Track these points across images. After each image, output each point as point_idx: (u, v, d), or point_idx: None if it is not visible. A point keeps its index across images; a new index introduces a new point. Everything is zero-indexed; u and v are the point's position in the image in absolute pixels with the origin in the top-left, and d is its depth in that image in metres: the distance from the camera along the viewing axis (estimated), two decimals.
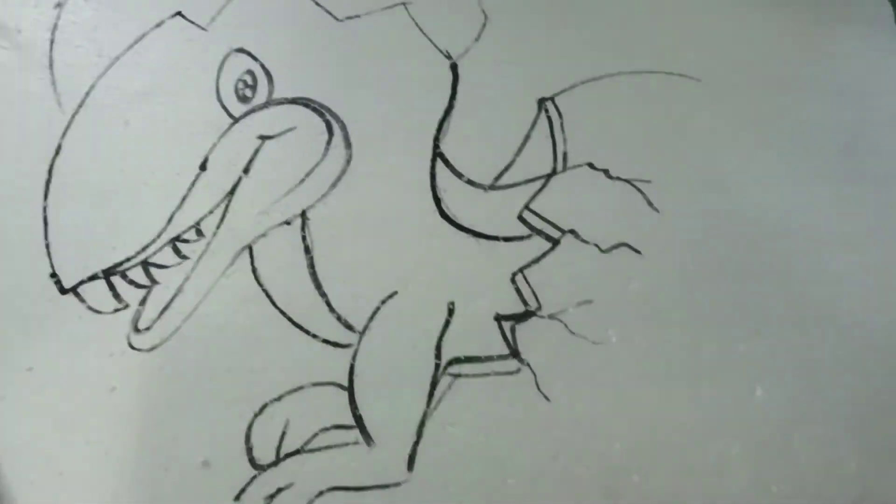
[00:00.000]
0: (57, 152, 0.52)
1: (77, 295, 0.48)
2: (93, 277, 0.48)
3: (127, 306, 0.47)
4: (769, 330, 0.49)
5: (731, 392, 0.48)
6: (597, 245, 0.51)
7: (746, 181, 0.55)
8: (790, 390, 0.48)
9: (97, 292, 0.48)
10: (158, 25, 0.57)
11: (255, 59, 0.57)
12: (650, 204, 0.53)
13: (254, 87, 0.55)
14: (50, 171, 0.51)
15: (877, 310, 0.51)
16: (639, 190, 0.54)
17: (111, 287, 0.48)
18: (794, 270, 0.52)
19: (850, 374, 0.48)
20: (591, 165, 0.54)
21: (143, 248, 0.49)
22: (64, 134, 0.53)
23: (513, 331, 0.48)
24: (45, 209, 0.50)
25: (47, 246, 0.49)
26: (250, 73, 0.56)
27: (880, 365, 0.49)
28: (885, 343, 0.50)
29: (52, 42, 0.55)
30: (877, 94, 0.59)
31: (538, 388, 0.47)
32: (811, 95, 0.59)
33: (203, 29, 0.58)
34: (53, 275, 0.48)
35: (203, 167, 0.52)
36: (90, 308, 0.47)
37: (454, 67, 0.57)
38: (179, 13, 0.58)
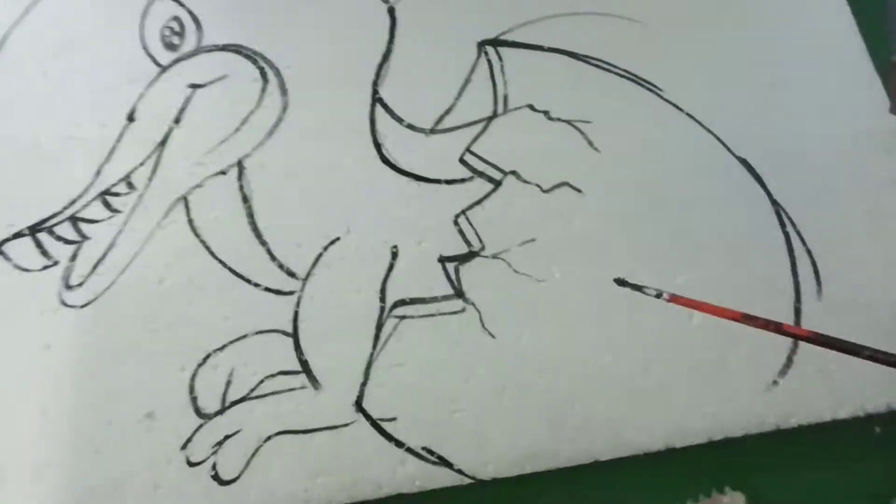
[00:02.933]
0: None
1: (2, 254, 0.46)
2: (18, 235, 0.46)
3: (56, 263, 0.46)
4: (706, 260, 0.51)
5: (670, 321, 0.49)
6: (538, 185, 0.52)
7: (683, 117, 0.56)
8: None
9: (24, 249, 0.46)
10: None
11: (181, 4, 0.54)
12: (590, 144, 0.54)
13: (181, 34, 0.53)
14: None
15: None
16: (579, 130, 0.54)
17: (38, 244, 0.46)
18: (728, 201, 0.53)
19: (780, 295, 0.51)
20: (531, 107, 0.54)
21: (71, 203, 0.47)
22: None
23: (457, 271, 0.48)
24: None
25: None
26: (177, 19, 0.54)
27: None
28: None
29: None
30: (803, 30, 0.60)
31: (483, 326, 0.47)
32: (742, 33, 0.60)
33: None
34: None
35: (131, 118, 0.50)
36: (17, 266, 0.45)
37: (391, 11, 0.56)
38: None
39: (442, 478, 0.43)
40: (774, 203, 0.54)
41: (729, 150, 0.56)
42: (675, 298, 0.41)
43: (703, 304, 0.40)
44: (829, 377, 0.49)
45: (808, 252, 0.53)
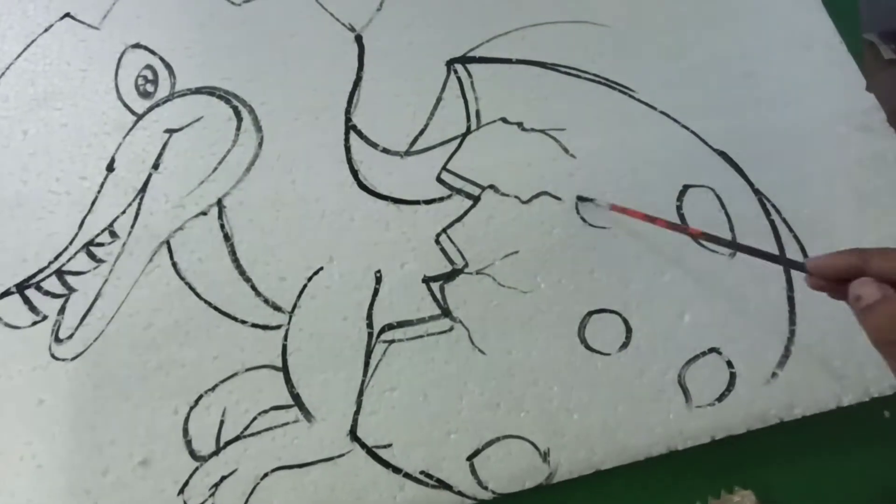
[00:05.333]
0: None
1: None
2: (5, 293, 0.46)
3: (45, 318, 0.46)
4: (691, 256, 0.51)
5: (661, 321, 0.49)
6: (517, 197, 0.52)
7: (658, 115, 0.56)
8: (716, 311, 0.49)
9: (12, 307, 0.46)
10: (47, 30, 0.55)
11: (153, 53, 0.55)
12: (566, 151, 0.54)
13: (155, 82, 0.54)
14: None
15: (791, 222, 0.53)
16: (554, 138, 0.54)
17: (26, 300, 0.46)
18: (709, 194, 0.53)
19: (772, 284, 0.50)
20: (504, 120, 0.55)
21: (56, 257, 0.48)
22: None
23: (442, 290, 0.48)
24: None
25: None
26: (150, 67, 0.55)
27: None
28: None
29: None
30: (772, 20, 0.60)
31: (472, 344, 0.47)
32: (711, 29, 0.60)
33: (95, 28, 0.56)
34: None
35: (110, 168, 0.51)
36: (7, 324, 0.46)
37: (359, 39, 0.57)
38: (68, 14, 0.56)
39: (442, 501, 0.43)
40: (757, 192, 0.54)
41: (706, 143, 0.55)
42: (614, 207, 0.49)
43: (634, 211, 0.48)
44: (829, 364, 0.49)
45: (796, 238, 0.52)
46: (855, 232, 0.53)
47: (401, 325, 0.47)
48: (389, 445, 0.44)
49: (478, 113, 0.55)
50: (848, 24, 0.62)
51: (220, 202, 0.50)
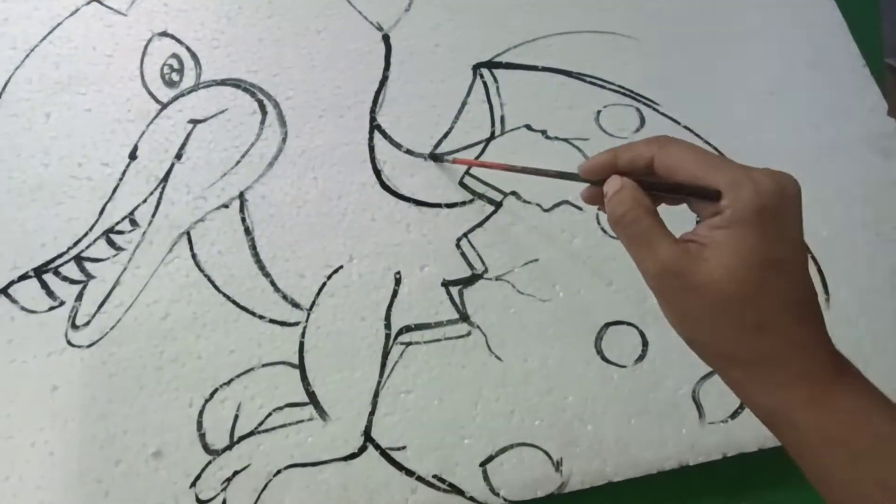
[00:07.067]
0: None
1: (8, 296, 0.46)
2: (24, 277, 0.46)
3: (62, 303, 0.46)
4: None
5: (677, 336, 0.49)
6: (539, 205, 0.52)
7: (681, 130, 0.56)
8: None
9: (30, 291, 0.46)
10: (74, 13, 0.55)
11: (179, 42, 0.55)
12: None
13: (180, 71, 0.54)
14: None
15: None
16: (577, 148, 0.54)
17: (44, 285, 0.46)
18: None
19: None
20: (528, 127, 0.55)
21: (76, 243, 0.47)
22: None
23: (461, 295, 0.48)
24: None
25: None
26: (176, 56, 0.54)
27: None
28: None
29: None
30: (796, 40, 0.61)
31: (489, 349, 0.47)
32: (737, 47, 0.60)
33: (123, 14, 0.56)
34: None
35: (133, 156, 0.51)
36: (24, 308, 0.45)
37: (386, 39, 0.57)
38: None
39: None
40: None
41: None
42: (456, 160, 0.50)
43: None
44: None
45: (813, 259, 0.53)
46: (872, 255, 0.53)
47: (418, 327, 0.47)
48: (403, 448, 0.44)
49: (502, 119, 0.55)
50: (871, 48, 0.62)
51: (241, 196, 0.50)
